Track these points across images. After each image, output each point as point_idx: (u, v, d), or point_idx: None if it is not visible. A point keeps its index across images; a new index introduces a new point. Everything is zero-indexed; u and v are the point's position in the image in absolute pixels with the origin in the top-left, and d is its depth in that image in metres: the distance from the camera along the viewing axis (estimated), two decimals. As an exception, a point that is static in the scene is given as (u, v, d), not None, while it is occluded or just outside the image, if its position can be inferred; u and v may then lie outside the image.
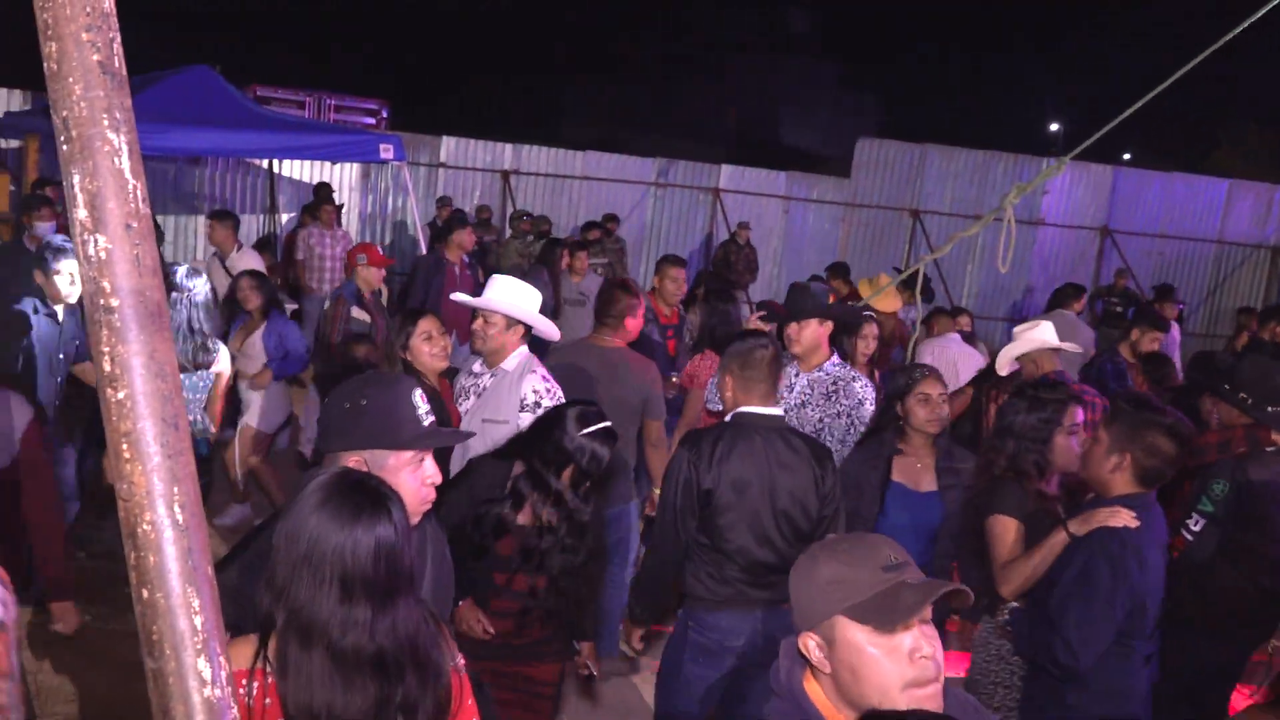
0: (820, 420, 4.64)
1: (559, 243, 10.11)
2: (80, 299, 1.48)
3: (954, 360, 7.24)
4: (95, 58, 0.93)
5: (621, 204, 16.52)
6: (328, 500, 1.88)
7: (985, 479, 3.75)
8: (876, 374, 5.79)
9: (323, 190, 12.40)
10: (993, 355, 6.68)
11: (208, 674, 0.92)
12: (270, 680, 1.89)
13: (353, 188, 15.53)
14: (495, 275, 4.59)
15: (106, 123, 0.95)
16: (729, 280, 12.86)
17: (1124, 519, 3.11)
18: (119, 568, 1.10)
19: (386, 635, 1.87)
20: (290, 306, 8.93)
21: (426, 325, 4.57)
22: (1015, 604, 3.53)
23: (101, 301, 0.92)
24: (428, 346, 4.54)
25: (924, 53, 45.31)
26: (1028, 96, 42.61)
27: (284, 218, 14.20)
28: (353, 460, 2.27)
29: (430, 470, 2.35)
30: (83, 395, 5.30)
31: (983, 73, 43.70)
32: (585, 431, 3.34)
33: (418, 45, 41.97)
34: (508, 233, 13.03)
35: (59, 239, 5.21)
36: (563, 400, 4.11)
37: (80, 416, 5.48)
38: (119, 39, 0.96)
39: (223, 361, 5.83)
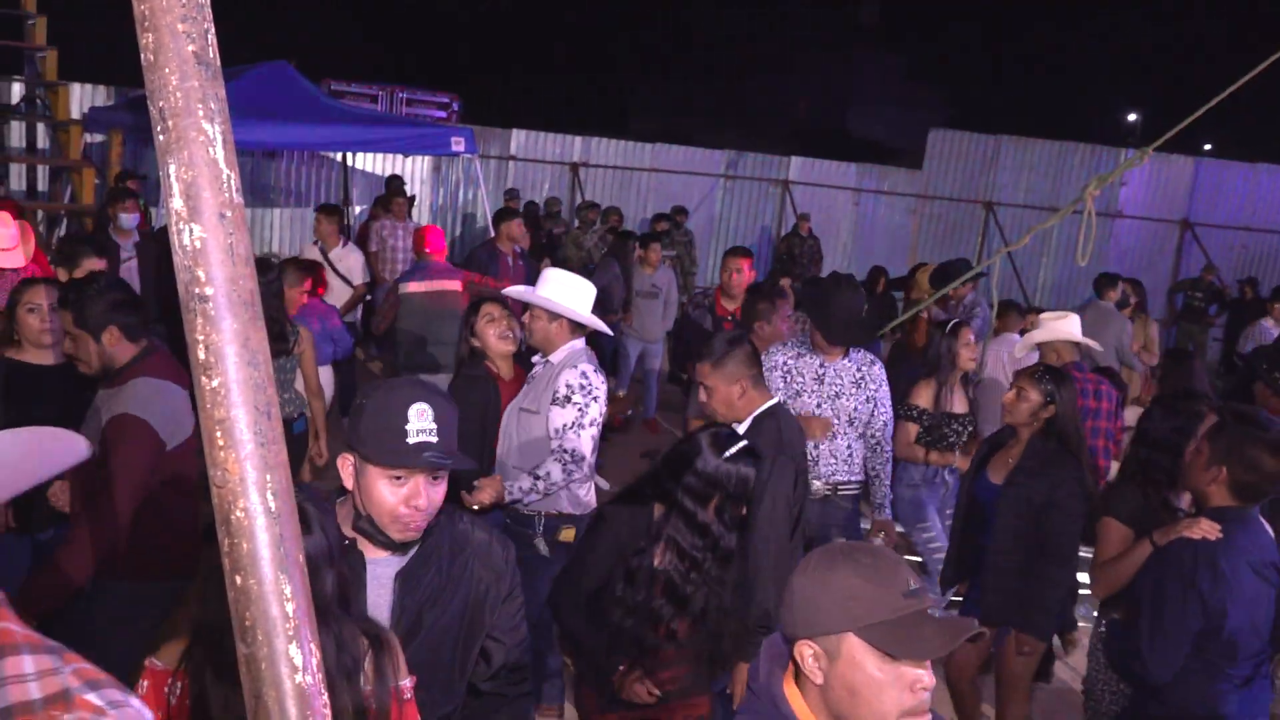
0: (855, 409, 4.84)
1: (630, 235, 10.10)
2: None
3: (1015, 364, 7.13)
4: (190, 48, 0.94)
5: (690, 196, 16.47)
6: None
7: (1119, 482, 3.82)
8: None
9: (395, 183, 12.53)
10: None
11: (299, 660, 0.92)
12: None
13: (424, 180, 15.71)
14: (547, 269, 4.61)
15: (201, 113, 0.96)
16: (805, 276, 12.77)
17: (1203, 530, 3.03)
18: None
19: None
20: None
21: (489, 308, 4.60)
22: (1116, 615, 3.55)
23: (196, 290, 0.93)
24: (492, 329, 4.56)
25: (991, 43, 44.52)
26: (1103, 86, 41.63)
27: (357, 210, 14.39)
28: (346, 458, 2.25)
29: (413, 493, 2.17)
30: None
31: (1053, 63, 42.78)
32: (727, 455, 3.10)
33: (487, 40, 42.31)
34: (575, 224, 13.07)
35: None
36: (597, 395, 4.11)
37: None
38: (213, 30, 0.96)
39: (304, 342, 5.99)
